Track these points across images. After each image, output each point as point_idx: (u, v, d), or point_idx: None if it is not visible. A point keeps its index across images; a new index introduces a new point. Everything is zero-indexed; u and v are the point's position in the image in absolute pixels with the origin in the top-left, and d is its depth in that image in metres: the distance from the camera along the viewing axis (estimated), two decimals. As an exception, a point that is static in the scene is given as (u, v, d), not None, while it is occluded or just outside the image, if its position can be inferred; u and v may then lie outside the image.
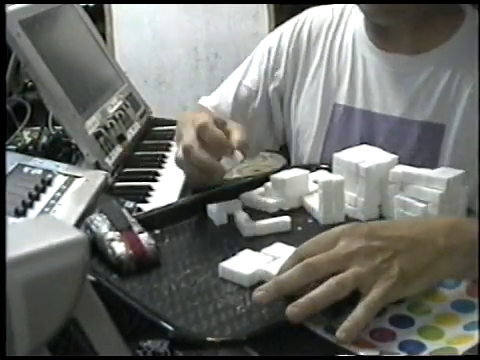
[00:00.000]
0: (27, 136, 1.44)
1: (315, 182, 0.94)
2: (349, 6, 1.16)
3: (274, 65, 1.18)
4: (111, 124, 1.42)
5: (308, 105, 1.16)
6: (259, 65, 1.20)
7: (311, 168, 1.02)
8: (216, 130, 0.88)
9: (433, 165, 1.01)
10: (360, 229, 0.70)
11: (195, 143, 0.88)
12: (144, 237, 0.81)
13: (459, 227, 0.72)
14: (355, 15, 1.14)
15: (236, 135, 0.90)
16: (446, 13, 1.05)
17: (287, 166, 1.06)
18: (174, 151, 1.30)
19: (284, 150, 1.36)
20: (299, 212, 0.92)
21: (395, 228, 0.71)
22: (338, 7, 1.18)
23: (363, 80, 1.10)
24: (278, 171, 0.97)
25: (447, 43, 1.04)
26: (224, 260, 0.77)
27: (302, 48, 1.16)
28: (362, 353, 0.63)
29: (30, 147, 1.39)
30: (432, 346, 0.65)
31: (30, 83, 1.53)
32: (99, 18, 2.52)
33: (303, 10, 1.23)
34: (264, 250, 0.80)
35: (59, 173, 1.17)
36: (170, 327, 0.66)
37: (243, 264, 0.76)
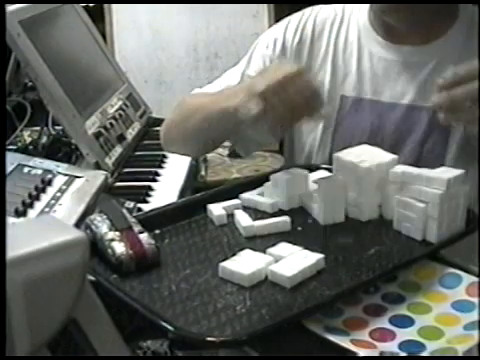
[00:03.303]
0: (27, 136, 1.44)
1: (315, 182, 0.94)
2: (350, 5, 1.19)
3: (280, 55, 1.19)
4: (111, 124, 1.43)
5: None
6: (263, 55, 1.21)
7: (311, 168, 1.02)
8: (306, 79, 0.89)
9: (443, 149, 1.06)
10: None
11: (289, 82, 0.88)
12: (144, 237, 0.81)
13: None
14: (357, 13, 1.17)
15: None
16: (449, 6, 1.10)
17: (287, 166, 1.06)
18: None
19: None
20: (299, 212, 0.92)
21: None
22: (339, 5, 1.20)
23: (371, 72, 1.13)
24: (278, 171, 0.97)
25: (451, 31, 1.09)
26: (224, 260, 0.77)
27: (306, 43, 1.18)
28: (362, 353, 0.63)
29: (30, 147, 1.39)
30: (432, 346, 0.65)
31: (30, 83, 1.53)
32: (99, 18, 2.52)
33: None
34: (269, 250, 0.80)
35: (59, 173, 1.17)
36: (170, 327, 0.66)
37: (243, 264, 0.76)
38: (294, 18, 1.21)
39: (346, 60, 1.15)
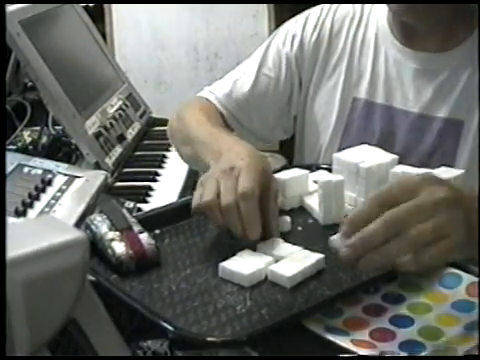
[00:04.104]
0: (27, 136, 1.44)
1: (315, 182, 0.94)
2: (368, 4, 1.18)
3: (297, 52, 1.18)
4: (111, 124, 1.42)
5: (326, 97, 1.17)
6: (279, 51, 1.20)
7: (311, 168, 1.02)
8: (255, 209, 0.81)
9: (452, 160, 1.04)
10: (441, 179, 0.70)
11: (234, 208, 0.80)
12: (144, 237, 0.81)
13: None
14: (376, 12, 1.15)
15: (272, 206, 0.84)
16: (469, 12, 1.07)
17: (287, 166, 1.06)
18: (174, 151, 1.30)
19: (284, 150, 1.36)
20: (299, 212, 0.92)
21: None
22: (358, 4, 1.19)
23: (385, 75, 1.12)
24: (278, 171, 0.97)
25: (468, 42, 1.06)
26: (224, 260, 0.77)
27: (324, 39, 1.17)
28: (362, 353, 0.63)
29: (30, 147, 1.39)
30: (432, 346, 0.65)
31: (30, 83, 1.53)
32: (99, 18, 2.52)
33: (303, 10, 1.23)
34: (260, 245, 0.80)
35: (59, 173, 1.17)
36: (170, 327, 0.66)
37: (243, 264, 0.76)
38: (313, 14, 1.20)
39: (362, 61, 1.14)
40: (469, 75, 1.06)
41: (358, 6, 1.18)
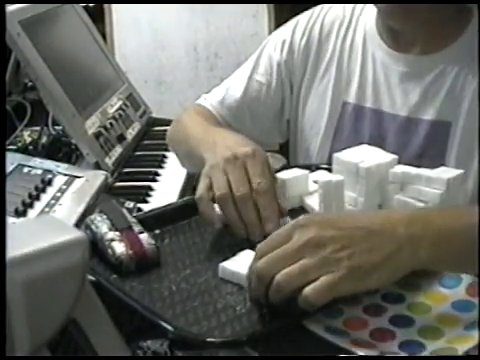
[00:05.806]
0: (27, 136, 1.44)
1: (315, 182, 0.94)
2: (359, 5, 1.17)
3: (287, 58, 1.19)
4: (111, 124, 1.43)
5: (317, 101, 1.17)
6: (270, 57, 1.21)
7: (311, 168, 1.02)
8: (275, 204, 0.85)
9: (440, 162, 1.02)
10: (314, 219, 0.69)
11: (248, 200, 0.84)
12: (144, 237, 0.81)
13: (421, 218, 0.70)
14: (365, 15, 1.15)
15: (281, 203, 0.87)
16: (456, 14, 1.06)
17: (287, 166, 1.06)
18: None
19: (284, 150, 1.35)
20: (299, 212, 0.92)
21: (351, 218, 0.70)
22: (349, 6, 1.19)
23: (373, 79, 1.12)
24: (278, 171, 0.97)
25: (455, 43, 1.06)
26: (224, 260, 0.77)
27: (314, 44, 1.17)
28: (362, 353, 0.63)
29: (30, 147, 1.39)
30: (432, 346, 0.65)
31: (30, 83, 1.53)
32: (99, 18, 2.52)
33: (303, 10, 1.23)
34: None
35: (59, 173, 1.17)
36: (170, 327, 0.66)
37: (243, 264, 0.76)
38: (303, 18, 1.20)
39: (350, 65, 1.14)
40: (455, 76, 1.05)
41: (348, 9, 1.17)
